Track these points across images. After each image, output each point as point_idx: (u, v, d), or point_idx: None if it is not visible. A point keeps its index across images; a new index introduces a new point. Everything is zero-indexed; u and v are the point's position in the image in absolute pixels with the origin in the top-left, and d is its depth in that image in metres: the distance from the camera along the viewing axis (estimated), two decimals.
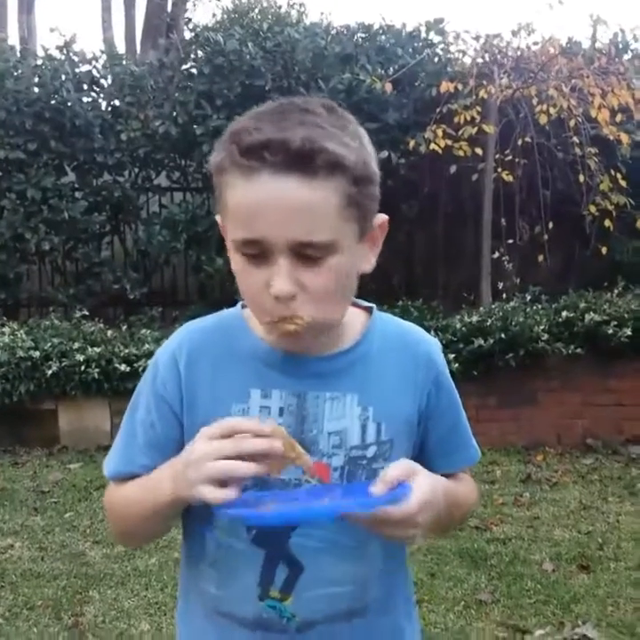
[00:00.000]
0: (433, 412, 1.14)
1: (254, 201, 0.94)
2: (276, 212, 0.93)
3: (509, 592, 3.15)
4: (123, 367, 4.97)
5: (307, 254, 0.95)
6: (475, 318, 5.29)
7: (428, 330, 5.28)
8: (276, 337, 1.03)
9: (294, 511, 0.98)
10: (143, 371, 4.70)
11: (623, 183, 5.85)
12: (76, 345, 5.10)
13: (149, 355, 5.00)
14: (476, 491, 1.24)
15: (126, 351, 5.07)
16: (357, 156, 0.97)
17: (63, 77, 6.28)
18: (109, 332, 5.38)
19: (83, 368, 4.97)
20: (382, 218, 1.05)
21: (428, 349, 1.16)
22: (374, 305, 1.17)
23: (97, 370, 4.98)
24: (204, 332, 1.14)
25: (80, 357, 4.98)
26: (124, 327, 5.64)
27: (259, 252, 0.96)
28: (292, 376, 1.08)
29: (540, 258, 6.01)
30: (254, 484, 1.04)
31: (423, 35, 6.66)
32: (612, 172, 5.87)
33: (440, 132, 5.73)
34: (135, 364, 4.97)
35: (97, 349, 5.06)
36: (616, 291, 5.77)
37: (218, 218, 1.06)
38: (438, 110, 5.80)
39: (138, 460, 1.10)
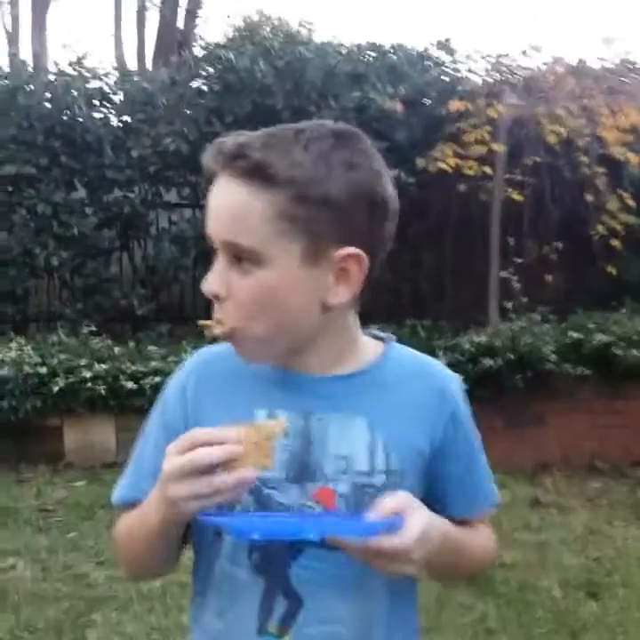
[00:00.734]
0: (450, 449, 1.10)
1: (210, 200, 1.02)
2: (214, 211, 1.01)
3: (519, 620, 3.12)
4: (129, 384, 4.95)
5: (239, 258, 0.99)
6: (483, 338, 5.26)
7: (435, 349, 5.25)
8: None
9: (279, 525, 0.96)
10: (150, 388, 4.69)
11: (631, 203, 5.84)
12: (83, 361, 5.09)
13: (156, 372, 4.99)
14: (492, 542, 1.19)
15: (133, 368, 5.06)
16: (305, 175, 0.96)
17: (74, 93, 6.30)
18: (117, 349, 5.37)
19: (89, 385, 4.96)
20: (350, 250, 0.99)
21: (445, 382, 1.13)
22: (392, 335, 1.16)
23: (103, 387, 4.96)
24: (214, 357, 1.15)
25: (87, 374, 4.97)
26: (132, 343, 5.63)
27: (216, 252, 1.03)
28: (300, 396, 1.06)
29: (548, 277, 5.99)
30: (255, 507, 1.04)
31: (433, 54, 6.68)
32: (620, 192, 5.86)
33: (449, 151, 5.73)
34: (142, 382, 4.95)
35: (104, 366, 5.05)
36: (624, 311, 5.74)
37: None
38: (447, 129, 5.81)
39: (143, 487, 1.08)
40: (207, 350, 1.17)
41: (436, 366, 1.15)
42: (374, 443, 1.06)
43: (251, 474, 0.92)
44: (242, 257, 0.99)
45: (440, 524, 1.01)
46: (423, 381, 1.11)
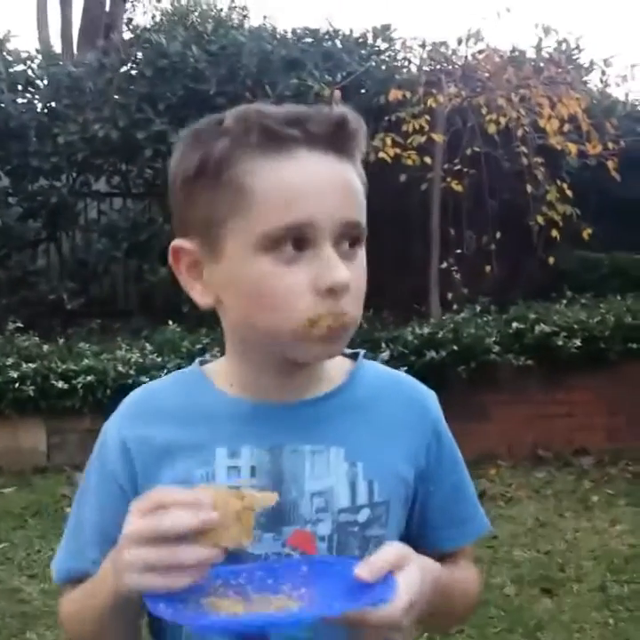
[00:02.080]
0: (434, 471, 0.98)
1: (296, 179, 0.82)
2: (326, 189, 0.83)
3: (472, 620, 3.04)
4: (60, 384, 4.70)
5: (350, 241, 0.86)
6: (426, 330, 5.21)
7: (378, 341, 5.15)
8: (311, 345, 0.84)
9: (243, 621, 0.78)
10: (83, 388, 4.38)
11: (569, 193, 5.86)
12: (10, 360, 4.82)
13: (89, 371, 4.76)
14: (478, 579, 1.06)
15: (64, 367, 4.81)
16: None
17: None
18: (46, 347, 5.11)
19: (17, 385, 4.69)
20: None
21: (422, 397, 1.02)
22: (361, 351, 1.02)
23: (32, 387, 4.70)
24: (156, 393, 0.99)
25: (14, 374, 4.70)
26: (62, 340, 5.37)
27: (296, 243, 0.83)
28: (265, 427, 0.91)
29: (488, 268, 5.98)
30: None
31: (370, 41, 6.58)
32: (559, 183, 5.88)
33: (389, 141, 5.64)
34: (73, 381, 4.71)
35: (32, 365, 4.79)
36: (564, 301, 5.78)
37: (181, 242, 0.88)
38: (387, 118, 5.72)
39: (88, 555, 0.92)
40: (143, 389, 1.01)
41: (411, 382, 1.04)
42: (354, 474, 0.92)
43: (218, 553, 0.76)
44: (355, 240, 0.87)
45: (432, 570, 0.87)
46: (399, 399, 1.00)
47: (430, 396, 1.02)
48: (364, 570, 0.78)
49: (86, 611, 0.89)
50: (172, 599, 0.76)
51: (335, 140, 0.85)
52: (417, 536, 0.97)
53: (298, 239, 0.82)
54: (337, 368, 0.97)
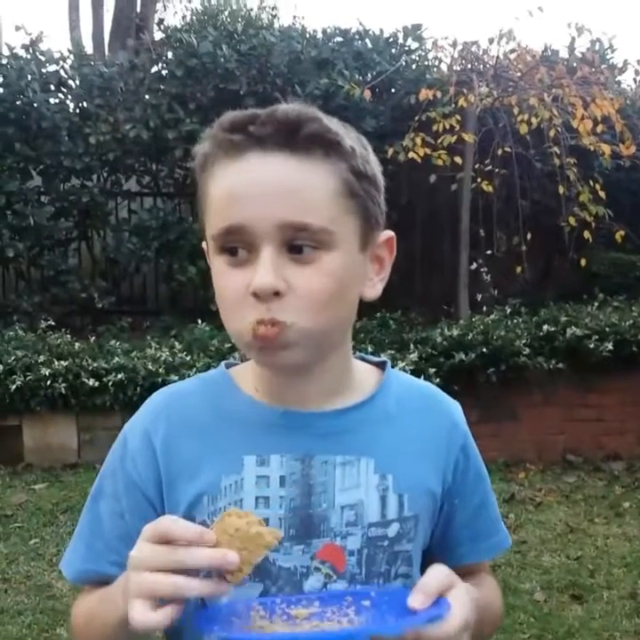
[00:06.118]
0: (461, 487, 0.98)
1: (236, 182, 0.82)
2: (262, 191, 0.81)
3: (502, 626, 3.02)
4: (91, 382, 4.75)
5: (298, 245, 0.81)
6: (455, 332, 5.17)
7: (407, 342, 5.09)
8: (253, 352, 0.85)
9: (304, 636, 0.77)
10: (113, 386, 4.40)
11: (602, 194, 5.79)
12: (42, 358, 4.87)
13: (119, 369, 4.79)
14: (500, 594, 1.05)
15: (95, 365, 4.85)
16: (356, 147, 0.85)
17: (29, 77, 6.04)
18: (77, 345, 5.15)
19: (48, 383, 4.74)
20: (388, 233, 0.91)
21: (451, 411, 1.01)
22: (388, 360, 1.02)
23: (63, 384, 4.74)
24: (182, 396, 0.97)
25: (46, 371, 4.75)
26: (93, 338, 5.42)
27: (241, 248, 0.82)
28: (295, 437, 0.90)
29: (518, 269, 5.92)
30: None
31: (401, 41, 6.55)
32: (591, 183, 5.81)
33: (419, 141, 5.61)
34: (104, 379, 4.75)
35: (63, 363, 4.84)
36: (596, 304, 5.71)
37: (204, 245, 0.91)
38: (417, 118, 5.69)
39: (105, 556, 0.91)
40: (172, 389, 0.99)
41: (438, 394, 1.03)
42: (385, 487, 0.92)
43: (225, 587, 0.74)
44: (303, 243, 0.82)
45: (473, 594, 0.85)
46: (429, 412, 0.99)
47: (458, 410, 1.02)
48: (417, 599, 0.76)
49: (96, 617, 0.89)
50: (223, 622, 0.76)
51: (285, 138, 0.81)
52: (438, 549, 0.97)
53: (235, 244, 0.83)
54: (366, 377, 0.97)
